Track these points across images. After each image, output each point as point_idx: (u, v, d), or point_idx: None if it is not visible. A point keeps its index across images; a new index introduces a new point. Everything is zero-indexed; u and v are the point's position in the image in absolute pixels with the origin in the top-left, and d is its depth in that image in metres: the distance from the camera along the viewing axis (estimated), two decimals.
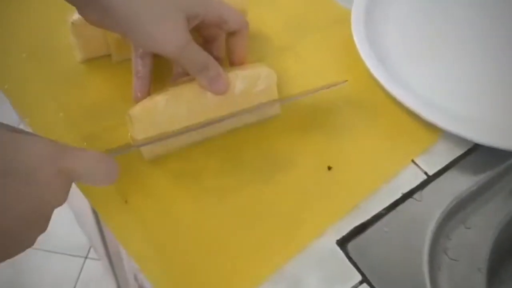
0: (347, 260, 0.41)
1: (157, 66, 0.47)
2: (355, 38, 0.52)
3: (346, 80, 0.49)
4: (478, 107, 0.49)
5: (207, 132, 0.46)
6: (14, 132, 0.32)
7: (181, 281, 0.40)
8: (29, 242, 0.32)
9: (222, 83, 0.44)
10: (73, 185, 0.43)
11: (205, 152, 0.47)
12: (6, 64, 0.52)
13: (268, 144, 0.47)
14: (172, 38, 0.42)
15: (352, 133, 0.48)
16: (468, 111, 0.49)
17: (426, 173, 0.46)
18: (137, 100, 0.45)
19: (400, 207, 0.44)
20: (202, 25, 0.44)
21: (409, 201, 0.45)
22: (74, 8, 0.43)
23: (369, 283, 0.40)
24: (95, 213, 0.69)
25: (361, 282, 0.40)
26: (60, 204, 0.33)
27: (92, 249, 1.35)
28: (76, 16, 0.48)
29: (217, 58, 0.46)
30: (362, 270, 0.41)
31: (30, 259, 1.33)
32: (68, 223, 1.22)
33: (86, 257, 1.35)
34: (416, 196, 0.45)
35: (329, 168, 0.46)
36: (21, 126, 0.45)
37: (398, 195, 0.45)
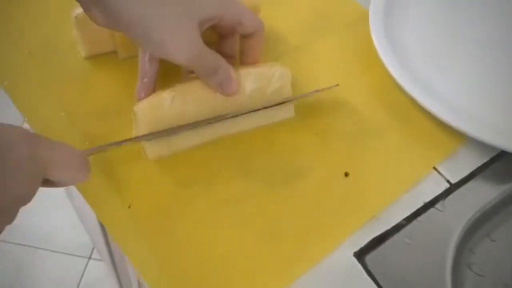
0: (365, 274, 0.39)
1: (163, 65, 0.45)
2: (374, 39, 0.50)
3: (337, 84, 0.47)
4: (504, 112, 0.47)
5: (213, 131, 0.44)
6: None
7: None
8: None
9: (232, 85, 0.42)
10: (74, 188, 0.41)
11: (216, 157, 0.44)
12: (7, 60, 0.50)
13: (281, 149, 0.45)
14: (184, 47, 0.39)
15: (370, 138, 0.46)
16: (493, 116, 0.46)
17: (448, 181, 0.44)
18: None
19: (421, 217, 0.42)
20: (217, 25, 0.42)
21: (431, 211, 0.42)
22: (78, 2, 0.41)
23: None
24: None
25: None
26: (25, 197, 0.29)
27: (95, 250, 1.34)
28: (80, 10, 0.46)
29: (230, 56, 0.44)
30: (381, 284, 0.38)
31: (33, 259, 1.31)
32: (72, 223, 1.21)
33: (89, 258, 1.33)
34: (438, 205, 0.42)
35: (346, 174, 0.43)
36: (25, 125, 0.43)
37: (419, 205, 0.42)
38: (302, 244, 0.40)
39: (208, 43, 0.41)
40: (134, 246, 0.39)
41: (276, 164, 0.44)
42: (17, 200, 0.29)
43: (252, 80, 0.43)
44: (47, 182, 0.32)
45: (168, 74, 0.45)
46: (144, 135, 0.41)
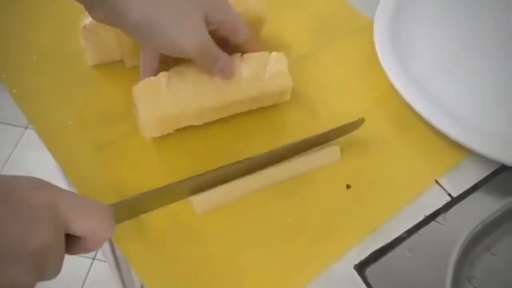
0: (365, 287, 0.39)
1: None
2: (378, 51, 0.50)
3: (363, 118, 0.46)
4: (506, 126, 0.47)
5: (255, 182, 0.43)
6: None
7: None
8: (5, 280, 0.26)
9: (231, 69, 0.44)
10: None
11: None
12: (16, 66, 0.50)
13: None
14: (193, 40, 0.41)
15: (372, 150, 0.46)
16: (496, 130, 0.46)
17: (450, 195, 0.44)
18: None
19: (422, 230, 0.42)
20: (213, 34, 0.43)
21: (432, 224, 0.42)
22: (86, 11, 0.41)
23: None
24: None
25: None
26: (52, 245, 0.28)
27: (100, 250, 1.34)
28: (87, 20, 0.47)
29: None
30: None
31: None
32: None
33: (94, 258, 1.34)
34: (439, 219, 0.43)
35: (348, 186, 0.44)
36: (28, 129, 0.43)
37: (420, 218, 0.43)
38: (303, 256, 0.40)
39: None
40: (138, 253, 0.40)
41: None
42: (44, 247, 0.27)
43: (248, 64, 0.44)
44: (73, 246, 0.31)
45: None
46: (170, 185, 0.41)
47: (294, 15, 0.57)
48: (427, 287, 0.39)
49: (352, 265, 0.40)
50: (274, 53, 0.46)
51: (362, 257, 0.40)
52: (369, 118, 0.48)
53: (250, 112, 0.47)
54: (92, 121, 0.47)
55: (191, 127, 0.45)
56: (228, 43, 0.45)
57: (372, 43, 0.51)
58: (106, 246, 0.88)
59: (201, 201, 0.41)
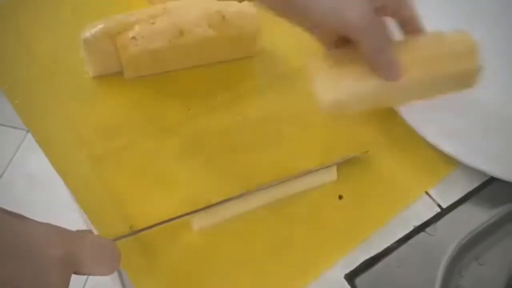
0: None
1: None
2: None
3: (368, 151, 0.47)
4: (496, 139, 0.48)
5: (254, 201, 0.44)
6: (11, 216, 0.30)
7: None
8: None
9: (397, 70, 0.40)
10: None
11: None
12: (18, 78, 0.51)
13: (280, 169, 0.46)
14: (358, 9, 0.37)
15: (364, 161, 0.47)
16: (485, 143, 0.47)
17: (439, 206, 0.45)
18: None
19: (411, 241, 0.43)
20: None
21: (422, 234, 0.44)
22: (87, 22, 0.42)
23: None
24: None
25: None
26: None
27: None
28: (88, 32, 0.48)
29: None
30: None
31: None
32: (78, 226, 1.22)
33: None
34: (429, 229, 0.44)
35: (340, 197, 0.45)
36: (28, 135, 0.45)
37: (410, 228, 0.44)
38: (294, 264, 0.41)
39: None
40: (138, 267, 0.41)
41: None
42: None
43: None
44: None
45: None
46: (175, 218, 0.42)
47: (290, 27, 0.58)
48: None
49: (343, 275, 0.41)
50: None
51: (353, 267, 0.41)
52: (362, 129, 0.49)
53: None
54: (92, 132, 0.48)
55: None
56: None
57: None
58: None
59: (199, 218, 0.42)
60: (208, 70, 0.52)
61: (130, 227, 0.42)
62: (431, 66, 0.42)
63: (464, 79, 0.44)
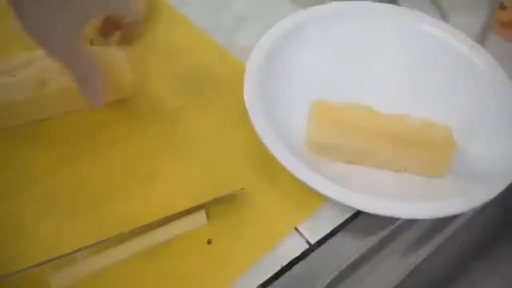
0: None
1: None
2: (245, 98, 0.51)
3: (243, 188, 0.48)
4: (359, 175, 0.49)
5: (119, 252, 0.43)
6: None
7: None
8: None
9: (99, 98, 0.45)
10: None
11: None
12: None
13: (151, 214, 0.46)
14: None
15: (235, 200, 0.47)
16: (350, 178, 0.48)
17: (308, 242, 0.45)
18: None
19: (279, 281, 0.43)
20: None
21: (288, 274, 0.44)
22: None
23: None
24: None
25: None
26: None
27: None
28: None
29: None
30: None
31: None
32: None
33: None
34: (296, 267, 0.44)
35: (209, 242, 0.45)
36: None
37: (277, 268, 0.44)
38: None
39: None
40: None
41: None
42: None
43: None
44: None
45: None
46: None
47: (167, 66, 0.57)
48: None
49: None
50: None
51: None
52: (237, 171, 0.49)
53: None
54: None
55: None
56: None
57: None
58: None
59: (58, 277, 0.41)
60: (78, 116, 0.52)
61: None
62: (403, 146, 0.47)
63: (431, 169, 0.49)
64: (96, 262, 0.43)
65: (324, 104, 0.49)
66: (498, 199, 0.45)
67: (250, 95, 0.51)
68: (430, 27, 0.60)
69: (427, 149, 0.47)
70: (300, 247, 0.45)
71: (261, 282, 0.43)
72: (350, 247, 0.46)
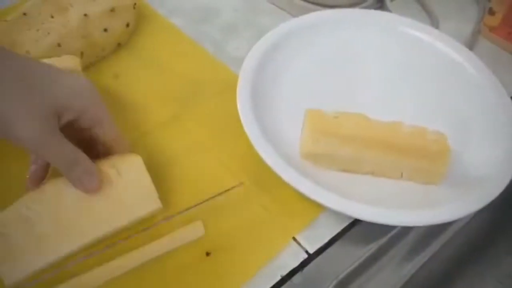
0: None
1: None
2: (239, 108, 0.51)
3: (242, 183, 0.48)
4: (356, 183, 0.49)
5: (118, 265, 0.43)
6: None
7: None
8: None
9: (93, 180, 0.41)
10: None
11: None
12: None
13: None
14: (27, 128, 0.37)
15: (231, 212, 0.47)
16: (346, 186, 0.48)
17: (307, 252, 0.45)
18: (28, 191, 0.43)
19: None
20: (75, 126, 0.41)
21: (288, 284, 0.44)
22: None
23: None
24: None
25: None
26: None
27: None
28: None
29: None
30: None
31: None
32: None
33: None
34: (295, 278, 0.44)
35: (208, 254, 0.44)
36: None
37: (277, 279, 0.44)
38: None
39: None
40: None
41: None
42: None
43: None
44: None
45: None
46: None
47: (159, 77, 0.57)
48: None
49: None
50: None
51: None
52: (231, 182, 0.49)
53: None
54: None
55: None
56: (96, 145, 0.44)
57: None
58: None
59: None
60: None
61: None
62: (398, 154, 0.47)
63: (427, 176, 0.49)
64: (94, 277, 0.42)
65: (318, 113, 0.49)
66: (494, 203, 0.45)
67: (243, 104, 0.51)
68: (421, 34, 0.60)
69: (422, 156, 0.47)
70: (299, 257, 0.45)
71: None
72: (349, 255, 0.46)
